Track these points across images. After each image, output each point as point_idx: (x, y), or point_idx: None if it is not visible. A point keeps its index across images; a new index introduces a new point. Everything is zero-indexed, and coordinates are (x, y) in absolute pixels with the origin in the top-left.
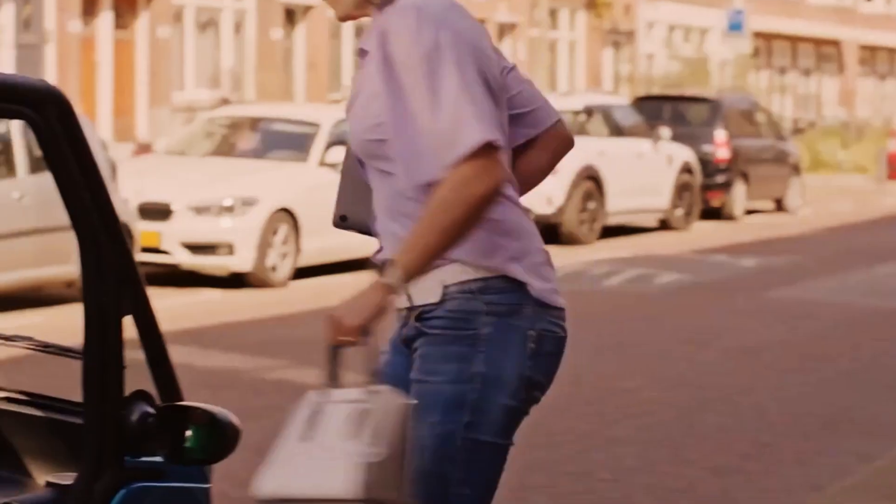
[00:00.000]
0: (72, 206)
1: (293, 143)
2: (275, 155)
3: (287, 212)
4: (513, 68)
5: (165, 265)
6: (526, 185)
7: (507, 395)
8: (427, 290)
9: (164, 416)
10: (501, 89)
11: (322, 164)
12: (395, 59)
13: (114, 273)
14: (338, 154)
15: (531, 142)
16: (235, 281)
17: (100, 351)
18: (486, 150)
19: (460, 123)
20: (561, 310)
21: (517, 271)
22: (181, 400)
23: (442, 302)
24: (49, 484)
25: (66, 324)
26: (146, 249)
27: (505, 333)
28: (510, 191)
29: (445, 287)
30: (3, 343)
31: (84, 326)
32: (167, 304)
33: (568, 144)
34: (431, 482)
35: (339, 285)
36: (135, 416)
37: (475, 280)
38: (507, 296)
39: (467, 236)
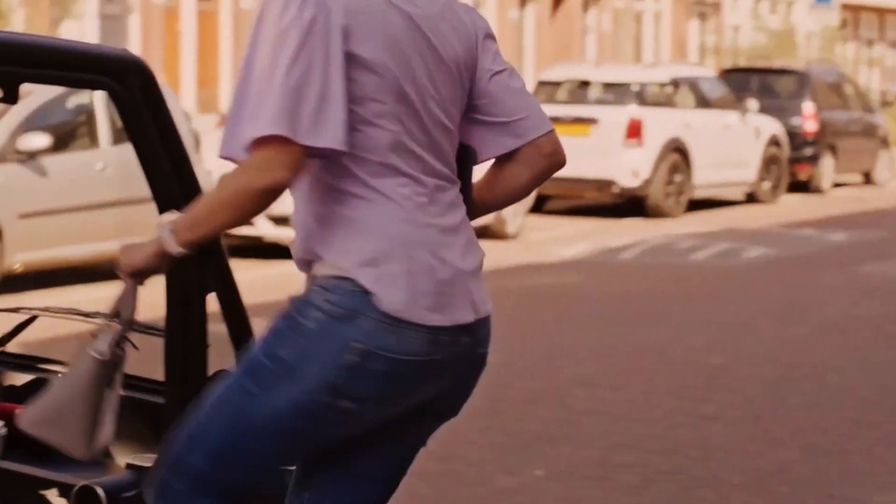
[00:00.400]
0: (153, 178)
1: None
2: None
3: None
4: (499, 72)
5: (248, 237)
6: (500, 200)
7: (299, 390)
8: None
9: None
10: (423, 89)
11: None
12: (258, 29)
13: (197, 250)
14: None
15: (514, 154)
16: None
17: (182, 329)
18: (279, 145)
19: (257, 113)
20: (423, 327)
21: (364, 278)
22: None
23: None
24: (129, 466)
25: (147, 298)
26: None
27: (325, 336)
28: (389, 189)
29: (314, 277)
30: (83, 319)
31: (166, 303)
32: (250, 277)
33: (556, 163)
34: (193, 428)
35: None
36: None
37: (328, 277)
38: (345, 300)
39: (244, 222)
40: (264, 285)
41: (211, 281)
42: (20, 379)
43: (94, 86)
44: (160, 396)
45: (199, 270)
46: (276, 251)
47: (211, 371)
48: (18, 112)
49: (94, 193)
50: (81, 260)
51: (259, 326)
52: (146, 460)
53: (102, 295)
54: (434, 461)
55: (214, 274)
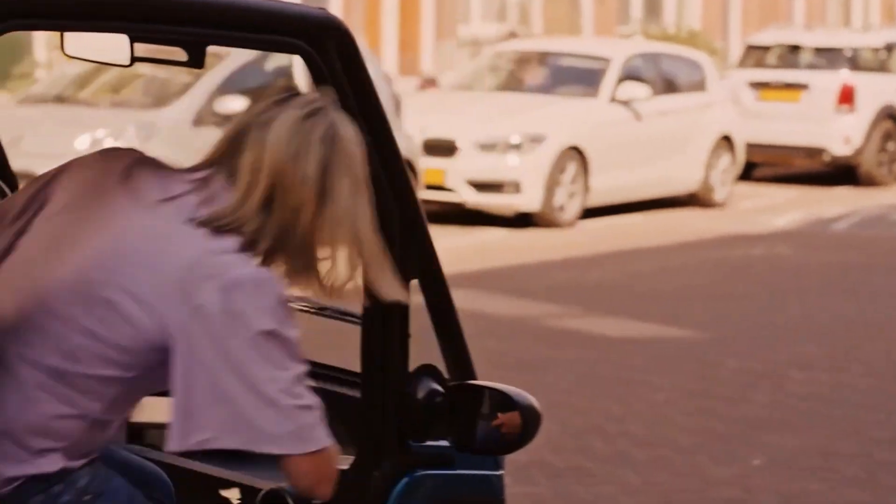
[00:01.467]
0: None
1: (583, 78)
2: (563, 90)
3: (575, 149)
4: None
5: (450, 203)
6: None
7: None
8: None
9: (455, 396)
10: None
11: (613, 100)
12: None
13: (397, 229)
14: (630, 90)
15: None
16: (521, 220)
17: (382, 318)
18: None
19: None
20: None
21: None
22: (474, 378)
23: None
24: None
25: None
26: (430, 187)
27: None
28: None
29: None
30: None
31: (364, 289)
32: (451, 244)
33: None
34: None
35: (629, 226)
36: (421, 395)
37: None
38: None
39: None
40: (465, 253)
41: (414, 265)
42: None
43: (286, 49)
44: (355, 389)
45: (400, 254)
46: (477, 218)
47: (412, 366)
48: (216, 75)
49: None
50: None
51: (461, 298)
52: (340, 461)
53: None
54: (641, 446)
55: (418, 257)
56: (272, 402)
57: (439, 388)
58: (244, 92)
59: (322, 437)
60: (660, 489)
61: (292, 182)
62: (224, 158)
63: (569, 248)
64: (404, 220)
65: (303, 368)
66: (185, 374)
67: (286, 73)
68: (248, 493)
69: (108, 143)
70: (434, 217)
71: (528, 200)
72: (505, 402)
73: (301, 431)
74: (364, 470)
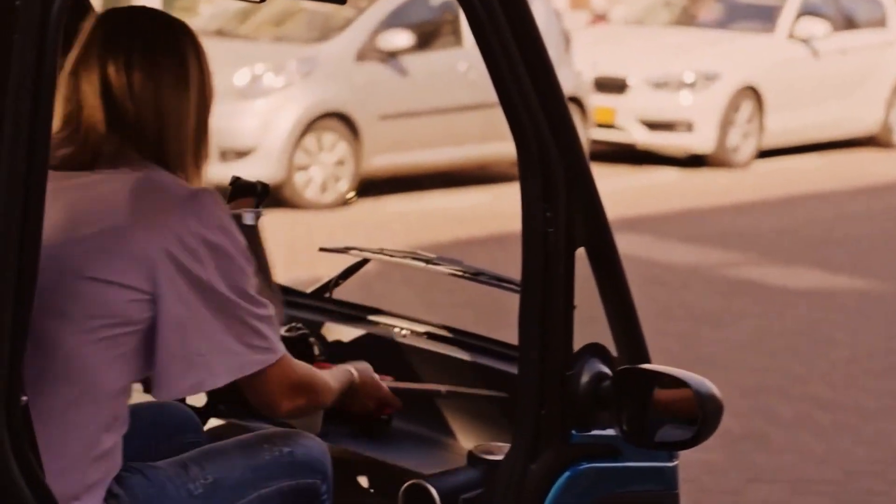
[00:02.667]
0: (505, 93)
1: (759, 13)
2: (739, 26)
3: (751, 88)
4: None
5: (620, 143)
6: None
7: None
8: None
9: (624, 380)
10: None
11: (791, 36)
12: None
13: (562, 190)
14: (808, 26)
15: None
16: (693, 161)
17: (543, 289)
18: None
19: None
20: None
21: None
22: (646, 360)
23: None
24: (472, 457)
25: (512, 207)
26: (600, 125)
27: None
28: None
29: None
30: (427, 266)
31: (523, 255)
32: (621, 185)
33: None
34: None
35: (805, 169)
36: (586, 378)
37: None
38: None
39: None
40: (635, 195)
41: (580, 231)
42: (346, 333)
43: None
44: (512, 364)
45: (564, 218)
46: (648, 158)
47: (577, 345)
48: (380, 9)
49: (456, 95)
50: (441, 165)
51: (630, 244)
52: (493, 450)
53: (467, 202)
54: (823, 410)
55: (585, 222)
56: (245, 321)
57: (607, 370)
58: (407, 27)
59: (279, 342)
60: (845, 459)
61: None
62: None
63: (743, 192)
64: (569, 176)
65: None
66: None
67: (451, 7)
68: (389, 484)
69: (268, 78)
70: (603, 157)
71: (701, 141)
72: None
73: (269, 342)
74: (520, 462)
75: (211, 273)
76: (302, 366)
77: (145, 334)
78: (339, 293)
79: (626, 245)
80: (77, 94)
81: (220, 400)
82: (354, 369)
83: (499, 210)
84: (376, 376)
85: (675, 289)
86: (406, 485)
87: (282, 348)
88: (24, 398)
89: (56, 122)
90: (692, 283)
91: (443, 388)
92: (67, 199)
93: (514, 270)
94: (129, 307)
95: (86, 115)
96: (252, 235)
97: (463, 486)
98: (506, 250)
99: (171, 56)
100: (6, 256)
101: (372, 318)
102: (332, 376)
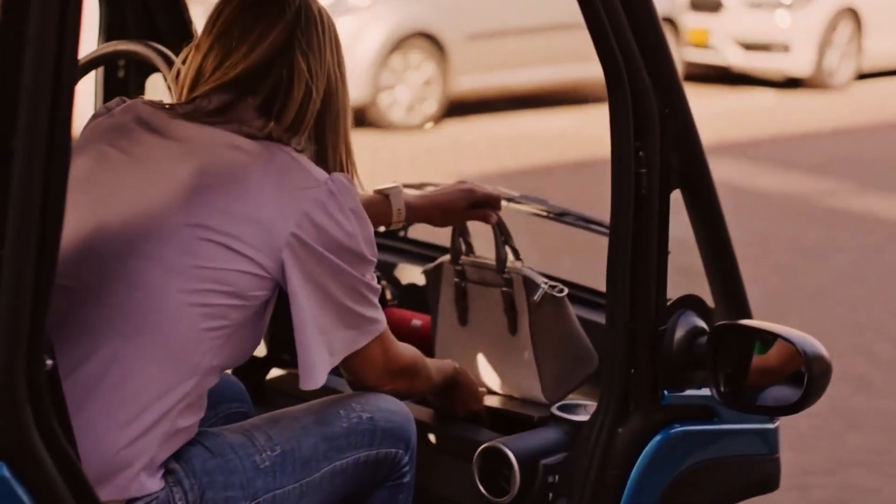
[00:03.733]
0: (593, 16)
1: None
2: None
3: (850, 9)
4: None
5: (714, 65)
6: None
7: None
8: None
9: (723, 337)
10: None
11: None
12: None
13: (656, 126)
14: None
15: None
16: (790, 83)
17: (634, 235)
18: None
19: None
20: None
21: None
22: (746, 314)
23: None
24: (553, 417)
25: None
26: (694, 46)
27: None
28: None
29: None
30: (509, 204)
31: (613, 197)
32: (714, 109)
33: None
34: None
35: None
36: (680, 334)
37: None
38: None
39: None
40: (730, 119)
41: (677, 173)
42: (421, 275)
43: None
44: (601, 313)
45: (661, 157)
46: (743, 80)
47: (672, 297)
48: None
49: (546, 14)
50: (530, 86)
51: (725, 170)
52: (577, 409)
53: (558, 123)
54: None
55: (680, 162)
56: (363, 294)
57: (703, 325)
58: None
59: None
60: None
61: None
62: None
63: (841, 116)
64: (663, 111)
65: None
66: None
67: None
68: (466, 448)
69: None
70: (697, 79)
71: (798, 63)
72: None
73: (378, 313)
74: (607, 425)
75: (336, 263)
76: (407, 348)
77: (251, 314)
78: (415, 232)
79: (719, 172)
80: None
81: (284, 349)
82: (459, 367)
83: (589, 133)
84: (476, 385)
85: (772, 218)
86: (482, 447)
87: (385, 319)
88: (50, 362)
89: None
90: (789, 213)
91: (536, 414)
92: (197, 153)
93: (604, 199)
94: (242, 278)
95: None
96: None
97: (543, 450)
98: (596, 177)
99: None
100: (29, 210)
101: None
102: (436, 368)
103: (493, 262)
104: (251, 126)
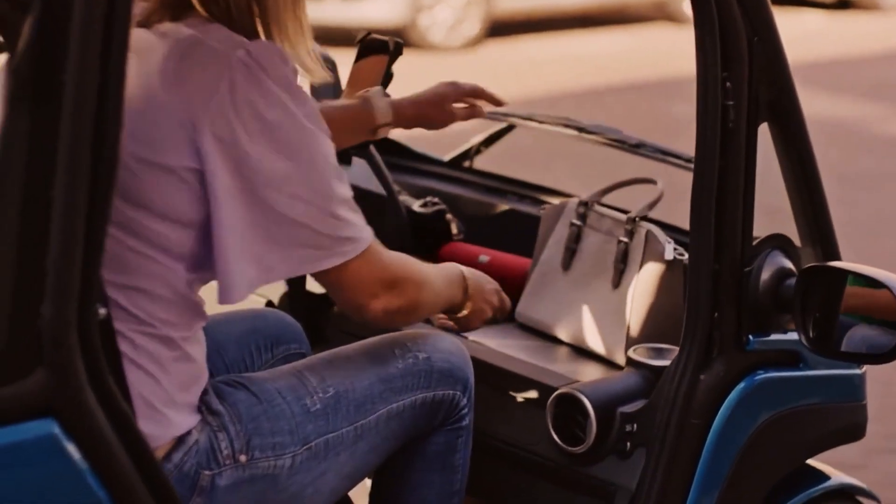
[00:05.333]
0: None
1: None
2: None
3: None
4: None
5: None
6: None
7: None
8: None
9: (811, 278)
10: None
11: None
12: None
13: (744, 55)
14: None
15: None
16: (840, 4)
17: (720, 171)
18: None
19: None
20: None
21: None
22: (836, 256)
23: None
24: (631, 362)
25: (652, 53)
26: None
27: None
28: None
29: None
30: (581, 135)
31: (698, 130)
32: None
33: None
34: None
35: None
36: (766, 275)
37: None
38: None
39: None
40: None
41: (765, 107)
42: (488, 208)
43: None
44: (683, 251)
45: (749, 90)
46: (794, 1)
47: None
48: None
49: None
50: (577, 6)
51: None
52: (655, 354)
53: (599, 47)
54: None
55: (771, 97)
56: (321, 207)
57: (791, 266)
58: None
59: (365, 228)
60: None
61: None
62: None
63: (893, 39)
64: (752, 34)
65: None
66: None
67: None
68: (542, 393)
69: None
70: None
71: None
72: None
73: (353, 228)
74: (689, 372)
75: (271, 151)
76: (395, 255)
77: (198, 237)
78: (480, 162)
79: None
80: None
81: None
82: (467, 270)
83: (635, 56)
84: (493, 284)
85: (821, 145)
86: (555, 394)
87: (369, 235)
88: (103, 311)
89: None
90: (839, 140)
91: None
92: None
93: (653, 123)
94: (177, 199)
95: None
96: None
97: (621, 397)
98: (647, 101)
99: None
100: (79, 151)
101: (517, 191)
102: (440, 272)
103: (619, 213)
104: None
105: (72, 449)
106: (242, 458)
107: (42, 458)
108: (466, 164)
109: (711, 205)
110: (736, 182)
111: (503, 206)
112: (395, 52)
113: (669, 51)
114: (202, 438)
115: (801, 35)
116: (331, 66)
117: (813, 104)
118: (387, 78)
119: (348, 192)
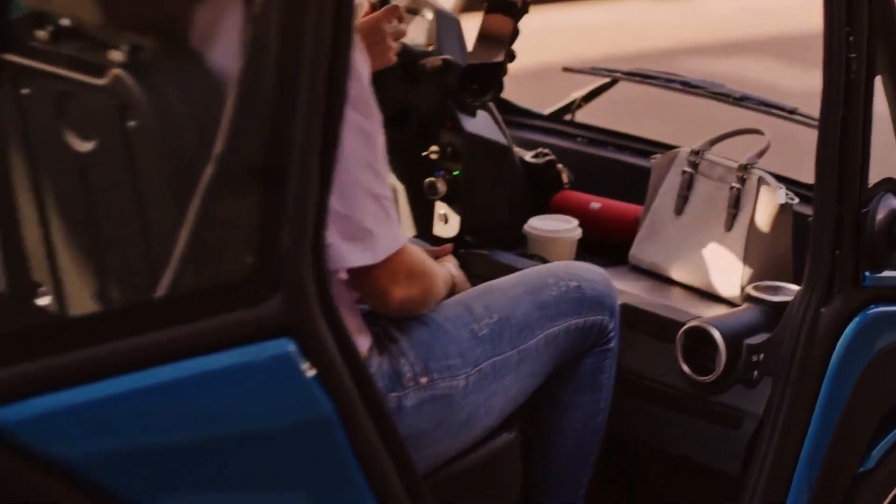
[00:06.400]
0: None
1: None
2: None
3: None
4: None
5: None
6: None
7: None
8: None
9: None
10: None
11: None
12: None
13: (865, 10)
14: None
15: None
16: None
17: (843, 121)
18: None
19: None
20: None
21: None
22: None
23: None
24: (751, 298)
25: (634, 21)
26: None
27: None
28: None
29: None
30: (681, 88)
31: (824, 81)
32: None
33: None
34: None
35: None
36: (881, 216)
37: None
38: None
39: None
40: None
41: (881, 60)
42: (592, 159)
43: None
44: (805, 205)
45: (868, 44)
46: None
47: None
48: None
49: None
50: None
51: None
52: (773, 292)
53: (572, 20)
54: None
55: (887, 51)
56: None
57: None
58: None
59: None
60: None
61: None
62: None
63: None
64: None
65: None
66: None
67: None
68: (668, 328)
69: None
70: None
71: None
72: None
73: (393, 224)
74: (813, 306)
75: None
76: (415, 248)
77: None
78: (583, 116)
79: None
80: None
81: (469, 230)
82: (455, 269)
83: (616, 29)
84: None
85: None
86: (685, 327)
87: (402, 233)
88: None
89: None
90: None
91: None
92: None
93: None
94: None
95: None
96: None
97: (747, 330)
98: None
99: None
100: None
101: (619, 142)
102: (440, 270)
103: (731, 161)
104: None
105: (304, 365)
106: (423, 380)
107: (280, 372)
108: (567, 117)
109: (836, 151)
110: (856, 130)
111: (607, 157)
112: (522, 11)
113: (647, 24)
114: (385, 364)
115: None
116: (454, 24)
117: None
118: (514, 34)
119: (389, 191)
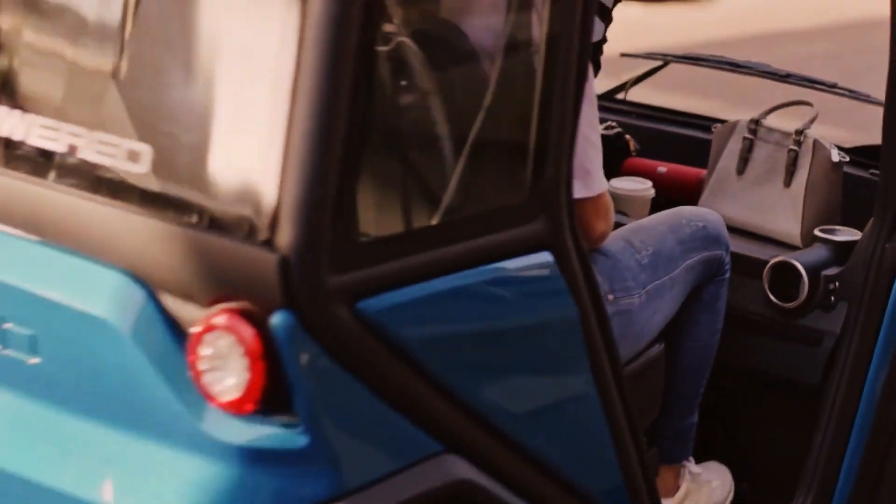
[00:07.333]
0: None
1: None
2: None
3: None
4: None
5: None
6: None
7: None
8: None
9: None
10: None
11: None
12: None
13: None
14: None
15: None
16: None
17: None
18: None
19: None
20: None
21: None
22: None
23: None
24: (820, 238)
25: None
26: None
27: None
28: None
29: None
30: (730, 69)
31: (891, 52)
32: None
33: None
34: None
35: None
36: None
37: None
38: None
39: None
40: None
41: None
42: (651, 132)
43: None
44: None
45: None
46: None
47: None
48: None
49: None
50: None
51: None
52: (836, 234)
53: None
54: None
55: None
56: (595, 145)
57: None
58: None
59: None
60: None
61: None
62: None
63: None
64: None
65: None
66: None
67: None
68: (753, 265)
69: None
70: None
71: None
72: None
73: (602, 170)
74: (883, 240)
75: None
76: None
77: None
78: (635, 95)
79: None
80: None
81: None
82: None
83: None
84: None
85: None
86: (771, 262)
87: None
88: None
89: None
90: None
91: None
92: None
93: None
94: None
95: None
96: None
97: (823, 264)
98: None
99: None
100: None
101: (673, 118)
102: None
103: (786, 128)
104: None
105: (558, 275)
106: (610, 297)
107: (541, 278)
108: (620, 96)
109: None
110: None
111: (660, 129)
112: None
113: (633, 27)
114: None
115: None
116: None
117: None
118: (608, 20)
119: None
